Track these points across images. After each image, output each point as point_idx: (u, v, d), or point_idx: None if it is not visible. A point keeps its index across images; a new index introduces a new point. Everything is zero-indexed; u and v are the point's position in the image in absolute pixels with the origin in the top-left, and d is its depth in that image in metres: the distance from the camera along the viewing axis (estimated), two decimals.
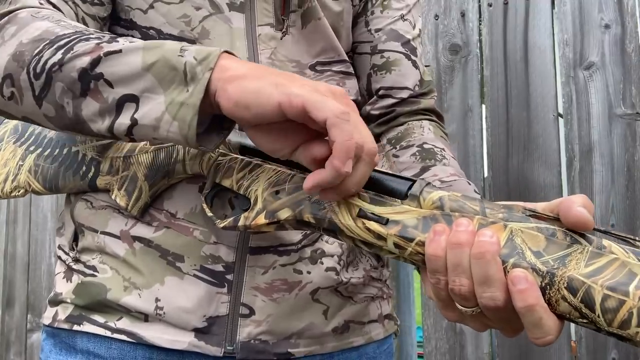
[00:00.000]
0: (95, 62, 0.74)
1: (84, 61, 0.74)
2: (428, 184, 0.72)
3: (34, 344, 2.94)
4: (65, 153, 0.97)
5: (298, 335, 0.95)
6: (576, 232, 0.63)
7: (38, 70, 0.76)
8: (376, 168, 0.75)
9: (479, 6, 2.18)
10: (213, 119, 0.75)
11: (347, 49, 1.08)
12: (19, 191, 1.00)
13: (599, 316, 0.58)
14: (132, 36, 0.95)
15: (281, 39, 0.97)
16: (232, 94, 0.67)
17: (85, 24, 0.92)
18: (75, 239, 0.99)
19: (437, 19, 2.21)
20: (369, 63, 1.10)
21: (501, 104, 2.12)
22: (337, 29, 1.04)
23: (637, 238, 0.62)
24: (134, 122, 0.73)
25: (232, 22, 0.95)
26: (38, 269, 2.98)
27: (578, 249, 0.61)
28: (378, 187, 0.74)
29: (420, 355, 2.24)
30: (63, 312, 0.96)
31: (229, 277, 0.92)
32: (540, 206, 0.67)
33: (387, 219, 0.70)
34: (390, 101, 1.09)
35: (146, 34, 0.94)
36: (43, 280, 2.95)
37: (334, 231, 0.74)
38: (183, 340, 0.91)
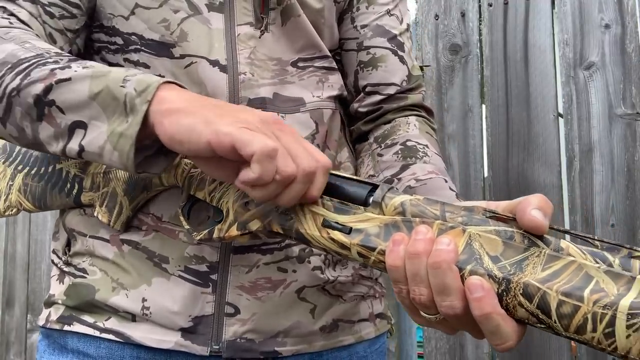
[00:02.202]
0: (48, 90, 0.76)
1: (38, 88, 0.77)
2: (391, 188, 0.72)
3: (34, 344, 2.96)
4: (50, 171, 0.98)
5: (285, 333, 0.95)
6: (534, 234, 0.63)
7: (0, 94, 0.79)
8: (340, 173, 0.76)
9: (479, 6, 2.18)
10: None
11: (332, 46, 1.08)
12: (12, 210, 1.01)
13: (555, 322, 0.58)
14: (115, 42, 0.96)
15: (260, 37, 0.97)
16: (167, 128, 0.70)
17: (53, 39, 0.93)
18: (68, 244, 1.00)
19: (437, 19, 2.21)
20: (355, 60, 1.10)
21: (501, 104, 2.12)
22: (318, 26, 1.03)
23: (595, 237, 0.62)
24: (82, 149, 0.76)
25: (211, 23, 0.94)
26: (38, 269, 2.99)
27: (535, 252, 0.61)
28: (342, 194, 0.74)
29: (420, 355, 2.24)
30: (55, 312, 0.98)
31: (213, 276, 0.92)
32: (502, 205, 0.68)
33: (351, 228, 0.71)
34: (377, 98, 1.09)
35: (128, 40, 0.94)
36: (43, 280, 2.97)
37: (303, 241, 0.75)
38: (170, 339, 0.92)
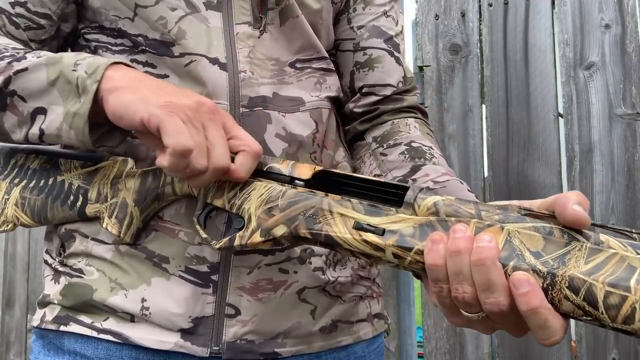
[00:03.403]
0: (7, 81, 0.83)
1: None
2: (421, 189, 0.72)
3: (31, 346, 2.95)
4: (51, 183, 0.97)
5: (285, 335, 0.95)
6: (573, 229, 0.63)
7: None
8: (369, 177, 0.77)
9: (479, 6, 2.18)
10: None
11: (328, 47, 1.07)
12: (7, 225, 0.99)
13: (602, 313, 0.58)
14: (122, 44, 0.96)
15: (259, 37, 0.97)
16: (111, 104, 0.78)
17: None
18: (63, 244, 0.99)
19: (437, 19, 2.21)
20: (351, 60, 1.10)
21: (501, 104, 2.12)
22: (316, 27, 1.03)
23: (633, 230, 0.62)
24: (42, 132, 0.83)
25: (209, 22, 0.94)
26: (38, 269, 2.98)
27: (576, 246, 0.62)
28: (372, 197, 0.74)
29: (420, 355, 2.24)
30: (50, 313, 0.97)
31: (214, 277, 0.92)
32: (535, 204, 0.68)
33: (384, 230, 0.71)
34: (373, 99, 1.09)
35: (136, 41, 0.94)
36: (43, 280, 2.96)
37: (332, 245, 0.75)
38: (169, 340, 0.91)
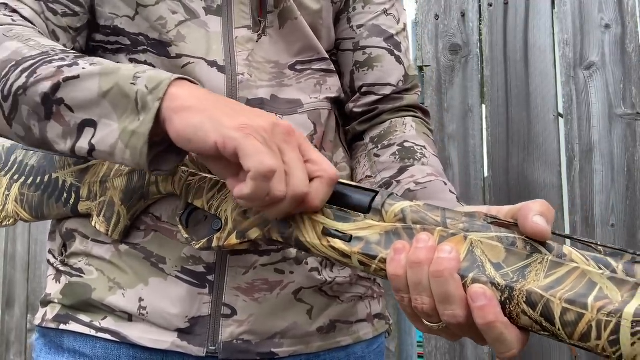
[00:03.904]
0: (56, 88, 0.76)
1: (45, 86, 0.76)
2: (390, 194, 0.71)
3: (34, 344, 2.95)
4: (47, 180, 0.97)
5: (282, 335, 0.95)
6: (537, 240, 0.62)
7: (5, 92, 0.78)
8: (340, 180, 0.75)
9: (479, 6, 2.17)
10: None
11: (328, 47, 1.07)
12: (9, 220, 1.00)
13: (559, 329, 0.58)
14: (118, 42, 0.95)
15: (257, 40, 0.97)
16: (177, 125, 0.70)
17: (56, 36, 0.93)
18: (64, 244, 1.00)
19: (437, 19, 2.21)
20: (351, 60, 1.09)
21: (501, 104, 2.12)
22: (316, 27, 1.03)
23: (599, 243, 0.61)
24: (92, 148, 0.75)
25: (209, 27, 0.94)
26: (38, 269, 2.99)
27: (538, 259, 0.61)
28: (341, 201, 0.74)
29: (420, 355, 2.24)
30: (51, 312, 0.98)
31: (210, 277, 0.92)
32: (503, 211, 0.67)
33: (351, 236, 0.70)
34: (372, 98, 1.08)
35: (136, 40, 0.94)
36: (43, 281, 2.97)
37: (305, 249, 0.74)
38: (166, 340, 0.91)
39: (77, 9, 0.95)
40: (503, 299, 0.60)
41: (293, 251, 0.95)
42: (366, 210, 0.71)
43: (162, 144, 0.75)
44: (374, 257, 0.68)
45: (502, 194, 2.08)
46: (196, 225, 0.89)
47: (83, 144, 0.76)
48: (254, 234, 0.77)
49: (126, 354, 0.92)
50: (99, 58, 0.80)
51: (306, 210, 0.73)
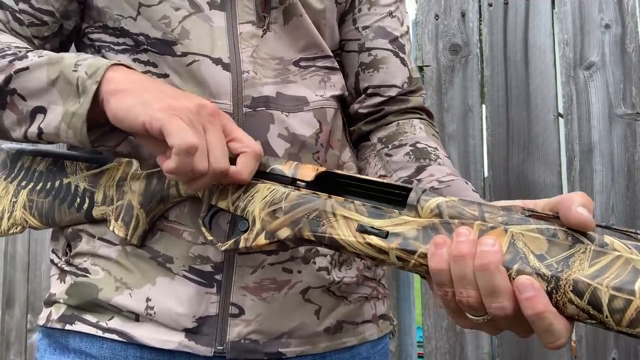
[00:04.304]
0: (8, 79, 0.84)
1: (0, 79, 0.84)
2: (424, 190, 0.71)
3: (34, 344, 2.95)
4: (58, 186, 0.97)
5: (289, 334, 0.95)
6: (577, 231, 0.63)
7: None
8: (372, 178, 0.77)
9: (479, 6, 2.18)
10: None
11: (333, 47, 1.07)
12: (16, 228, 0.99)
13: (607, 317, 0.58)
14: (124, 43, 0.96)
15: (262, 36, 0.97)
16: (112, 107, 0.78)
17: None
18: (69, 244, 0.99)
19: (437, 19, 2.21)
20: (356, 61, 1.09)
21: (501, 104, 2.12)
22: (320, 27, 1.03)
23: (638, 231, 0.61)
24: (40, 131, 0.84)
25: (212, 21, 0.94)
26: (38, 269, 2.98)
27: (580, 248, 0.61)
28: (375, 198, 0.74)
29: (420, 355, 2.24)
30: (56, 312, 0.97)
31: (218, 277, 0.92)
32: (539, 204, 0.67)
33: (387, 232, 0.70)
34: (378, 99, 1.08)
35: (137, 40, 0.94)
36: (43, 280, 2.96)
37: (336, 247, 0.74)
38: (173, 340, 0.91)
39: (46, 18, 0.97)
40: (549, 289, 0.61)
41: (301, 250, 0.95)
42: (402, 205, 0.71)
43: (105, 124, 0.83)
44: (413, 252, 0.68)
45: (502, 194, 2.08)
46: (218, 228, 0.89)
47: (33, 129, 0.84)
48: (284, 233, 0.77)
49: (133, 355, 0.92)
50: (45, 50, 0.89)
51: (236, 182, 0.81)
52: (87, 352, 0.93)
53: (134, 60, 0.95)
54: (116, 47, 0.96)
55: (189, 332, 0.91)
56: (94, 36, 0.99)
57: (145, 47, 0.94)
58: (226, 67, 0.93)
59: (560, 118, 2.08)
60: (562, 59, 2.07)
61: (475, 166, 2.13)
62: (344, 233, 0.73)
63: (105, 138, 0.84)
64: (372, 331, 1.06)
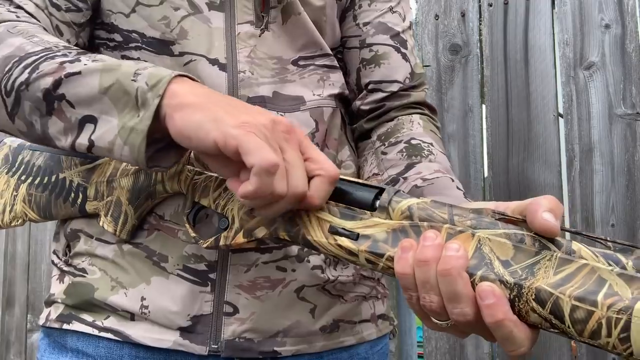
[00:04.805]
0: (57, 84, 0.76)
1: (47, 82, 0.76)
2: (397, 191, 0.71)
3: (34, 344, 2.95)
4: (54, 180, 0.97)
5: (284, 333, 0.95)
6: (545, 237, 0.62)
7: (8, 88, 0.78)
8: (346, 177, 0.75)
9: (479, 6, 2.17)
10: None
11: (333, 44, 1.07)
12: (17, 221, 1.00)
13: (569, 327, 0.57)
14: (113, 39, 0.96)
15: (260, 36, 0.97)
16: (177, 122, 0.70)
17: (60, 31, 0.93)
18: (69, 245, 1.00)
19: (437, 19, 2.21)
20: (358, 57, 1.09)
21: (501, 104, 2.11)
22: (320, 24, 1.03)
23: (608, 238, 0.60)
24: (91, 144, 0.75)
25: (211, 22, 0.94)
26: (38, 269, 2.98)
27: (546, 255, 0.60)
28: (347, 199, 0.73)
29: (420, 355, 2.23)
30: (55, 311, 0.98)
31: (212, 275, 0.92)
32: (511, 207, 0.67)
33: (358, 234, 0.70)
34: (379, 95, 1.08)
35: (128, 37, 0.94)
36: (43, 280, 2.96)
37: (312, 247, 0.74)
38: (168, 339, 0.91)
39: (81, 4, 0.95)
40: (512, 296, 0.60)
41: (295, 249, 0.95)
42: (373, 207, 0.71)
43: (162, 140, 0.75)
44: (381, 256, 0.68)
45: (502, 194, 2.08)
46: (201, 224, 0.89)
47: (83, 140, 0.76)
48: (261, 232, 0.77)
49: (129, 354, 0.92)
50: (101, 55, 0.81)
51: (307, 208, 0.73)
52: (84, 351, 0.94)
53: (122, 57, 0.95)
54: (110, 44, 0.97)
55: (184, 331, 0.91)
56: (94, 33, 0.99)
57: (138, 45, 0.94)
58: (222, 67, 0.93)
59: (560, 118, 2.07)
60: (562, 59, 2.06)
61: (475, 166, 2.13)
62: (317, 234, 0.73)
63: (160, 157, 0.77)
64: (371, 331, 1.06)
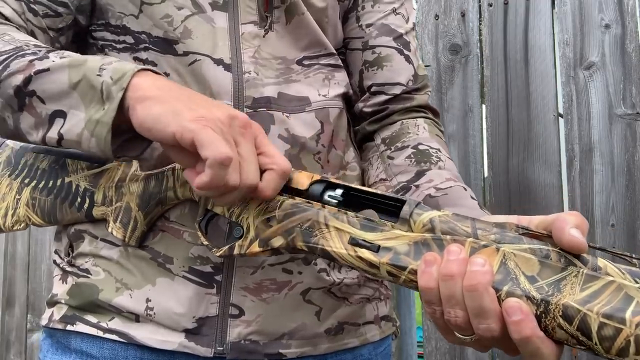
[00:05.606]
0: (27, 80, 0.80)
1: (18, 79, 0.80)
2: (418, 204, 0.70)
3: (34, 344, 2.95)
4: (59, 184, 0.97)
5: (289, 335, 0.94)
6: (570, 252, 0.61)
7: None
8: (365, 188, 0.75)
9: (479, 6, 2.17)
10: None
11: (336, 45, 1.07)
12: (20, 225, 0.99)
13: (596, 344, 0.57)
14: (124, 41, 0.95)
15: (264, 36, 0.96)
16: (139, 114, 0.74)
17: (34, 37, 0.94)
18: (71, 245, 0.99)
19: (437, 19, 2.20)
20: (360, 59, 1.09)
21: (501, 104, 2.11)
22: (322, 25, 1.03)
23: (633, 255, 0.60)
24: (61, 137, 0.79)
25: (214, 22, 0.94)
26: (38, 269, 2.98)
27: (572, 272, 0.60)
28: (368, 207, 0.73)
29: (420, 355, 2.23)
30: (58, 312, 0.97)
31: (218, 277, 0.92)
32: (534, 221, 0.66)
33: (379, 246, 0.69)
34: (382, 98, 1.08)
35: (139, 38, 0.94)
36: (43, 280, 2.95)
37: (330, 258, 0.74)
38: (173, 340, 0.91)
39: (61, 9, 0.96)
40: (539, 312, 0.60)
41: None
42: (394, 219, 0.70)
43: (128, 131, 0.78)
44: (403, 269, 0.68)
45: (502, 194, 2.08)
46: (216, 232, 0.89)
47: (52, 134, 0.80)
48: (278, 242, 0.77)
49: (133, 355, 0.92)
50: (68, 51, 0.84)
51: (257, 195, 0.76)
52: (88, 352, 0.94)
53: (134, 59, 0.95)
54: (118, 46, 0.96)
55: (189, 333, 0.91)
56: (97, 34, 0.99)
57: (147, 45, 0.94)
58: (227, 67, 0.93)
59: (560, 118, 2.07)
60: (562, 59, 2.06)
61: (475, 166, 2.13)
62: (336, 245, 0.72)
63: (126, 147, 0.80)
64: (374, 332, 1.06)
